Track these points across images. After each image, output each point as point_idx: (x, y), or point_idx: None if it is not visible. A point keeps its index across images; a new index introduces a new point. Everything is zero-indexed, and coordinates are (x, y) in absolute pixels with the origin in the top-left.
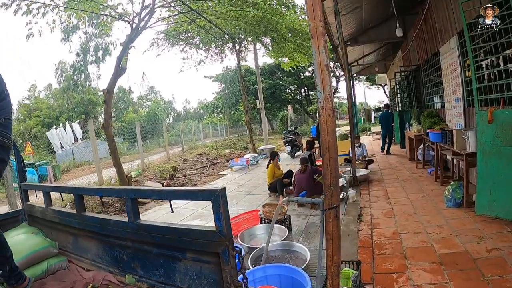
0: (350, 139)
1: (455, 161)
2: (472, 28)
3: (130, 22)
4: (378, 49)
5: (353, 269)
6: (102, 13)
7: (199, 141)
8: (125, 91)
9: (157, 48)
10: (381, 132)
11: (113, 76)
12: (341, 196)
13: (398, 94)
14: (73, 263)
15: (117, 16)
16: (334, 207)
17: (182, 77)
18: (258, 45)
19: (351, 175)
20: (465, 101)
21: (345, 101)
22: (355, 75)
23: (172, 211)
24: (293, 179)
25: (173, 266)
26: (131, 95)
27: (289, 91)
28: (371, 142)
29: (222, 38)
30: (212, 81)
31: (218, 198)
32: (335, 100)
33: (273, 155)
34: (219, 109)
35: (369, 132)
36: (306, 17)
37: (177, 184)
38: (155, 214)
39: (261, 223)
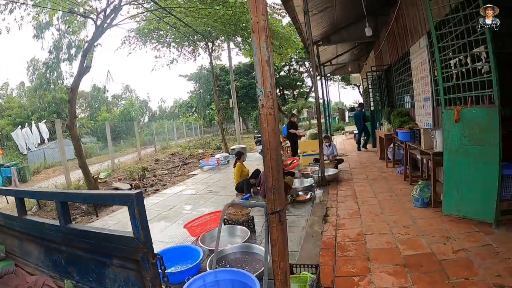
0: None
1: (424, 160)
2: (441, 27)
3: (95, 20)
4: (351, 49)
5: (311, 273)
6: (67, 10)
7: (173, 141)
8: (99, 90)
9: (129, 46)
10: (356, 131)
11: (77, 74)
12: (308, 196)
13: (370, 94)
14: (20, 268)
15: (81, 13)
16: (277, 211)
17: (157, 76)
18: (232, 44)
19: (319, 174)
20: (434, 100)
21: (321, 101)
22: (328, 74)
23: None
24: (259, 178)
25: (103, 272)
26: (106, 94)
27: None
28: (344, 141)
29: (195, 37)
30: (187, 80)
31: (133, 203)
32: (310, 100)
33: (239, 155)
34: (193, 109)
35: (342, 132)
36: (250, 11)
37: (146, 184)
38: (122, 216)
39: (225, 224)
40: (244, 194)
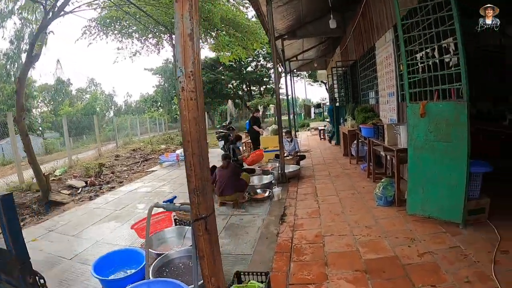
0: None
1: (388, 157)
2: (408, 18)
3: (44, 5)
4: (318, 45)
5: (260, 282)
6: None
7: (136, 136)
8: (63, 83)
9: (89, 36)
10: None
11: (24, 63)
12: (266, 194)
13: (336, 90)
14: None
15: None
16: (202, 217)
17: (124, 69)
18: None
19: (279, 171)
20: (399, 95)
21: (285, 97)
22: (295, 70)
23: None
24: (214, 175)
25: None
26: (70, 88)
27: (231, 86)
28: (308, 137)
29: (159, 28)
30: (152, 74)
31: None
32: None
33: None
34: (158, 103)
35: (308, 128)
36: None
37: (102, 181)
38: (71, 216)
39: (175, 224)
40: None
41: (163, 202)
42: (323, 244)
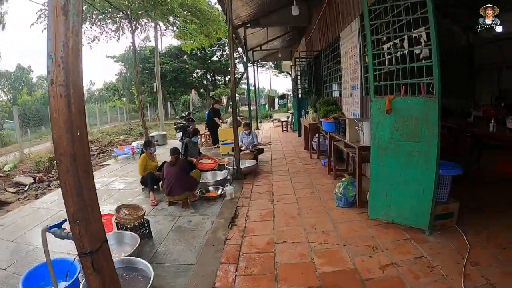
0: (242, 125)
1: (350, 154)
2: (376, 4)
3: None
4: (283, 35)
5: None
6: None
7: (95, 126)
8: (24, 70)
9: (44, 20)
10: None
11: None
12: (219, 192)
13: (299, 81)
14: None
15: None
16: (88, 253)
17: (87, 57)
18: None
19: (234, 166)
20: (363, 88)
21: (256, 88)
22: (259, 60)
23: None
24: (162, 171)
25: None
26: (30, 75)
27: (196, 75)
28: (271, 128)
29: (118, 14)
30: (114, 62)
31: None
32: (243, 86)
33: (146, 144)
34: (121, 92)
35: (271, 119)
36: None
37: (52, 177)
38: (14, 217)
39: (118, 229)
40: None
41: (49, 227)
42: (275, 254)
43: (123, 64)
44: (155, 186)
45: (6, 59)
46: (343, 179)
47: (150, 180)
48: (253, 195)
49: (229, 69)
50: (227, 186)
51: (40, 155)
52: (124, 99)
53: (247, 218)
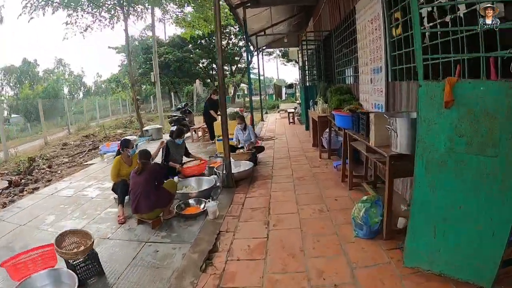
0: (236, 119)
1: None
2: None
3: None
4: (289, 18)
5: None
6: None
7: (95, 120)
8: (30, 64)
9: (32, 9)
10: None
11: None
12: (201, 208)
13: (307, 67)
14: None
15: None
16: None
17: (93, 49)
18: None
19: (224, 171)
20: (389, 71)
21: (262, 78)
22: (264, 47)
23: None
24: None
25: None
26: (36, 69)
27: (201, 65)
28: (277, 120)
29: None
30: (117, 53)
31: None
32: (252, 76)
33: (124, 144)
34: (122, 83)
35: (278, 110)
36: None
37: (30, 180)
38: None
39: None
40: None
41: None
42: None
43: (125, 55)
44: (127, 197)
45: (10, 53)
46: (364, 198)
47: (121, 190)
48: (243, 213)
49: (235, 58)
50: (209, 201)
51: (29, 152)
52: (129, 90)
53: (229, 254)
